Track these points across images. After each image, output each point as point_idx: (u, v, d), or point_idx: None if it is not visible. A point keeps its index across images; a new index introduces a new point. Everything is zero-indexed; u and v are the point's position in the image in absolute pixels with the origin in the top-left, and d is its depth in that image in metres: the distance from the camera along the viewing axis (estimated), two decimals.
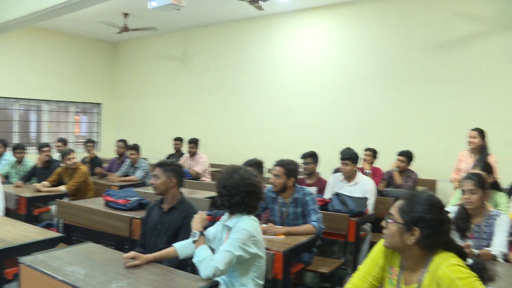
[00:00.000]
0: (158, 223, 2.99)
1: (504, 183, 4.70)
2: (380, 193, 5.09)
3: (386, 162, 6.02)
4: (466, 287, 1.63)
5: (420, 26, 6.82)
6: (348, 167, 4.61)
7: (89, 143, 7.28)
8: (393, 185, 5.46)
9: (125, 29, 8.33)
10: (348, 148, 4.87)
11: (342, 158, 4.65)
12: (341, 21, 7.56)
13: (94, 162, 6.99)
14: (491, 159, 4.68)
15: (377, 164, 6.00)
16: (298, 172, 3.68)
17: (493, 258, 2.78)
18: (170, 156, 7.77)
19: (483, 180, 3.07)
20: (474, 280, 1.65)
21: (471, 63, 6.41)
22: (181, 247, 2.57)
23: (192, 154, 7.10)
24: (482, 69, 6.32)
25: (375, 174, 5.67)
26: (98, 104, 10.88)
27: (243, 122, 8.64)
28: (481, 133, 4.88)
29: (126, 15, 8.27)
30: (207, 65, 9.20)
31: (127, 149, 6.59)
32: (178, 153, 7.81)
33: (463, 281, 1.64)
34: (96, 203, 4.20)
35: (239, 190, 2.47)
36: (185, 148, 7.57)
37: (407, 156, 5.49)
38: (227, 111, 8.90)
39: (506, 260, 2.76)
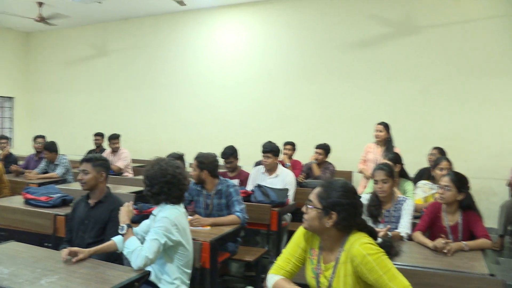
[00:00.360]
0: (85, 218, 2.98)
1: (411, 172, 5.20)
2: (299, 184, 5.36)
3: (305, 155, 6.32)
4: (375, 261, 1.85)
5: (337, 26, 7.25)
6: (269, 160, 4.78)
7: (2, 139, 6.88)
8: (312, 177, 5.76)
9: (42, 19, 7.93)
10: (270, 142, 5.06)
11: (264, 151, 4.82)
12: (262, 19, 7.80)
13: (8, 159, 6.62)
14: (396, 151, 5.14)
15: (297, 156, 6.29)
16: (213, 165, 3.74)
17: (401, 238, 3.13)
18: (90, 152, 7.54)
19: (392, 170, 3.41)
20: (382, 255, 1.88)
21: (382, 62, 6.98)
22: (120, 240, 2.60)
23: (114, 150, 6.99)
24: (391, 68, 6.92)
25: (295, 166, 5.93)
26: (10, 98, 10.23)
27: (166, 117, 8.60)
28: (386, 126, 5.34)
29: (40, 4, 7.88)
30: (128, 59, 9.02)
31: (44, 148, 6.31)
32: (99, 149, 7.62)
33: (373, 257, 1.86)
34: (14, 202, 4.03)
35: (158, 181, 2.58)
36: (106, 144, 7.42)
37: (324, 149, 5.81)
38: (150, 105, 8.80)
39: (410, 239, 3.12)
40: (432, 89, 6.78)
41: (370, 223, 3.25)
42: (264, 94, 7.71)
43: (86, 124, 9.39)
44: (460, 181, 3.09)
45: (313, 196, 2.02)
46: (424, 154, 5.65)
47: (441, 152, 5.03)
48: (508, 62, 6.38)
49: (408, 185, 4.19)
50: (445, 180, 3.11)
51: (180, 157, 4.34)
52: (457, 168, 6.11)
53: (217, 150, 4.66)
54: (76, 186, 4.77)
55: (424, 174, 4.58)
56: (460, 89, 6.64)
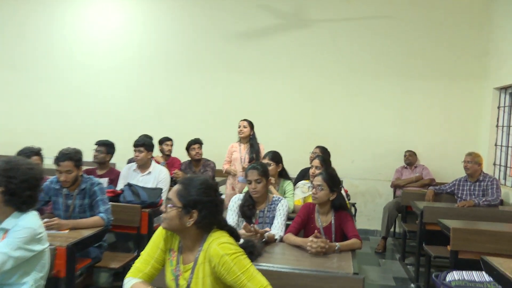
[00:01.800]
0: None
1: (296, 172, 5.59)
2: (174, 182, 5.44)
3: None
4: (232, 261, 1.99)
5: (224, 15, 7.47)
6: (141, 155, 4.85)
7: None
8: (191, 173, 5.93)
9: None
10: (145, 135, 5.11)
11: (136, 145, 4.88)
12: (140, 1, 7.77)
13: None
14: (260, 147, 5.69)
15: (178, 154, 6.40)
16: (81, 160, 3.70)
17: (274, 239, 3.31)
18: None
19: (266, 170, 3.62)
20: (240, 255, 2.03)
21: (270, 55, 7.37)
22: None
23: None
24: (279, 61, 7.36)
25: (173, 164, 6.07)
26: None
27: (24, 104, 8.08)
28: (250, 123, 5.76)
29: None
30: None
31: None
32: None
33: (231, 257, 2.00)
34: None
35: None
36: None
37: (201, 143, 6.05)
38: (2, 90, 8.25)
39: (282, 240, 3.32)
40: (321, 85, 7.31)
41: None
42: (142, 84, 7.69)
43: None
44: (332, 180, 3.39)
45: (172, 194, 2.10)
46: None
47: (323, 151, 5.46)
48: (393, 63, 7.13)
49: (288, 185, 4.51)
50: (318, 180, 3.40)
51: (36, 152, 4.11)
52: (344, 168, 6.94)
53: (86, 145, 4.61)
54: None
55: (306, 174, 4.93)
56: (349, 87, 7.26)
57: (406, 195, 5.97)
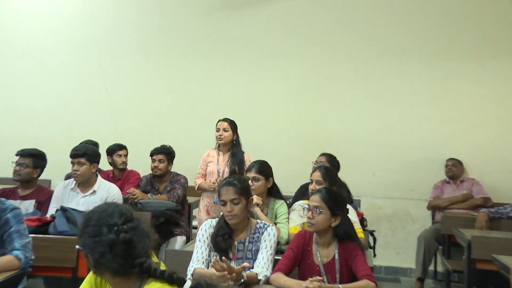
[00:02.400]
0: None
1: (293, 189, 5.62)
2: (132, 205, 5.42)
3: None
4: None
5: None
6: (82, 168, 4.82)
7: None
8: (154, 192, 5.96)
9: None
10: (87, 142, 5.12)
11: (74, 155, 4.86)
12: None
13: None
14: (245, 157, 5.67)
15: (137, 164, 6.42)
16: None
17: (258, 281, 3.28)
18: None
19: (247, 186, 3.62)
20: None
21: (259, 30, 7.49)
22: None
23: None
24: (273, 39, 7.44)
25: (129, 179, 6.11)
26: None
27: None
28: (232, 124, 5.73)
29: None
30: None
31: None
32: None
33: None
34: None
35: None
36: None
37: (166, 153, 6.01)
38: None
39: (268, 282, 3.31)
40: (329, 74, 7.33)
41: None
42: (88, 73, 7.79)
43: None
44: (334, 200, 3.39)
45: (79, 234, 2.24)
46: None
47: (330, 160, 5.46)
48: (427, 40, 7.12)
49: (281, 207, 4.49)
50: (314, 199, 3.40)
51: None
52: (362, 184, 6.99)
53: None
54: None
55: (307, 192, 4.92)
56: (367, 76, 7.28)
57: (449, 220, 5.87)
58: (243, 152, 5.76)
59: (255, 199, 4.21)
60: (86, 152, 4.89)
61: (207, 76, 7.59)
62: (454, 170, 6.82)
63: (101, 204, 2.28)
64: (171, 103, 7.62)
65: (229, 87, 7.53)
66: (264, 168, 4.58)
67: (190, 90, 7.60)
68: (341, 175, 5.19)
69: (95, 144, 5.97)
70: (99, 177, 5.08)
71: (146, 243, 2.17)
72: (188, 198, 6.26)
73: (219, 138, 5.70)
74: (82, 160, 4.86)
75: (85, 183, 4.94)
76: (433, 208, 6.79)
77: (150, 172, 6.10)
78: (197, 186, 5.79)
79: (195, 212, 6.45)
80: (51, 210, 4.78)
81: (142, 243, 2.15)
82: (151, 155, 6.03)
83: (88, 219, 2.17)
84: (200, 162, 5.86)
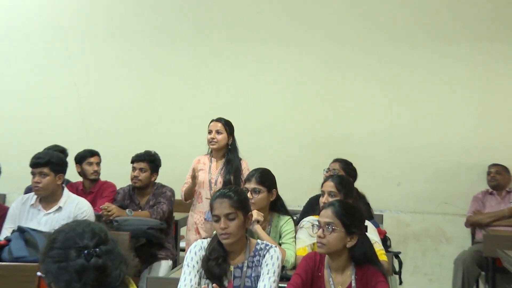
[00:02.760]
0: None
1: (301, 202, 5.64)
2: (107, 223, 5.38)
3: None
4: None
5: None
6: (45, 180, 4.80)
7: None
8: (134, 207, 5.95)
9: None
10: (51, 148, 5.12)
11: (34, 164, 4.83)
12: None
13: None
14: (243, 164, 5.69)
15: (112, 175, 6.46)
16: None
17: None
18: None
19: (245, 199, 3.63)
20: None
21: (260, 15, 7.51)
22: None
23: None
24: (277, 23, 7.48)
25: (102, 192, 6.12)
26: None
27: None
28: (228, 126, 5.72)
29: None
30: None
31: None
32: None
33: None
34: None
35: None
36: None
37: (150, 160, 5.98)
38: None
39: None
40: (342, 64, 7.37)
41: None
42: (52, 64, 7.85)
43: None
44: (351, 216, 3.38)
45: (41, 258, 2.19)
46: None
47: (345, 167, 5.47)
48: (465, 21, 7.12)
49: (287, 224, 4.50)
50: (326, 215, 3.39)
51: None
52: (384, 196, 6.96)
53: None
54: None
55: (317, 206, 4.92)
56: (389, 66, 7.27)
57: (493, 239, 5.81)
58: (240, 159, 5.76)
59: (255, 214, 4.21)
60: (49, 160, 4.85)
61: (197, 69, 7.61)
62: (499, 178, 6.77)
63: (69, 222, 2.21)
64: (154, 101, 7.66)
65: (223, 82, 7.56)
66: (266, 178, 4.58)
67: (177, 85, 7.63)
68: (359, 185, 5.22)
69: (62, 151, 5.96)
70: (66, 190, 5.06)
71: (122, 269, 2.12)
72: (174, 214, 6.25)
73: (211, 142, 5.69)
74: (45, 170, 4.81)
75: (48, 198, 4.92)
76: (473, 225, 6.74)
77: (129, 183, 6.07)
78: (182, 194, 5.79)
79: (183, 231, 6.43)
80: (6, 232, 4.78)
81: (118, 269, 2.10)
82: (132, 162, 6.00)
83: (53, 241, 2.11)
84: (189, 171, 5.79)
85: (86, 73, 7.81)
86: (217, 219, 3.54)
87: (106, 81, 7.79)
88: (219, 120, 5.75)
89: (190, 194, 5.75)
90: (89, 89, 7.77)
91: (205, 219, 5.64)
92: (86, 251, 2.03)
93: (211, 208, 3.62)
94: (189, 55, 7.64)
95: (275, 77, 7.46)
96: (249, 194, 4.24)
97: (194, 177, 5.55)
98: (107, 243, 2.11)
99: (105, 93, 7.76)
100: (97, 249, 2.06)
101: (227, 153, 5.76)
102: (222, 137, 5.69)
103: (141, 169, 5.92)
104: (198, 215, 5.76)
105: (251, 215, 3.72)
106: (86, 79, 7.79)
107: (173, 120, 7.56)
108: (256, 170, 4.69)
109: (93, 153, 6.29)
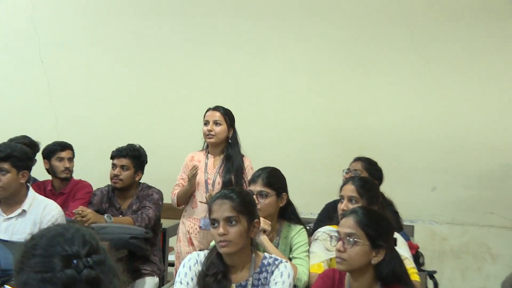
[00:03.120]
0: None
1: (316, 208, 5.67)
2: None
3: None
4: None
5: None
6: (5, 178, 4.78)
7: None
8: (111, 213, 5.94)
9: None
10: (22, 139, 5.16)
11: None
12: None
13: None
14: (246, 162, 5.68)
15: (86, 173, 6.49)
16: None
17: None
18: None
19: (250, 202, 3.66)
20: None
21: None
22: None
23: None
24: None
25: (75, 193, 6.14)
26: None
27: None
28: (226, 115, 5.70)
29: None
30: None
31: None
32: None
33: None
34: None
35: None
36: None
37: (134, 157, 5.94)
38: None
39: None
40: (363, 44, 7.39)
41: None
42: (17, 42, 7.93)
43: None
44: (376, 226, 3.39)
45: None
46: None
47: (368, 167, 5.48)
48: None
49: (299, 235, 4.49)
50: (347, 224, 3.40)
51: None
52: (416, 203, 6.93)
53: None
54: None
55: (335, 214, 4.94)
56: (420, 47, 7.27)
57: None
58: (242, 156, 5.75)
59: (262, 223, 4.11)
60: (11, 154, 4.81)
61: (189, 46, 7.65)
62: None
63: (51, 226, 2.13)
64: (138, 84, 7.70)
65: (222, 64, 7.56)
66: (275, 179, 4.56)
67: (166, 65, 7.64)
68: (385, 189, 5.22)
69: (32, 144, 5.98)
70: (31, 191, 5.04)
71: (115, 285, 2.06)
72: (162, 221, 6.23)
73: (208, 135, 5.66)
74: (5, 165, 4.77)
75: (9, 200, 4.90)
76: None
77: (108, 183, 6.06)
78: (174, 198, 5.78)
79: (172, 242, 6.42)
80: None
81: (111, 284, 2.03)
82: (112, 158, 5.98)
83: (33, 247, 2.03)
84: (181, 170, 5.83)
85: (54, 48, 7.84)
86: (215, 223, 3.54)
87: (78, 60, 7.81)
88: (217, 108, 5.74)
89: (186, 198, 5.74)
90: (59, 69, 7.80)
91: (200, 227, 5.62)
92: (76, 260, 1.95)
93: (210, 211, 3.64)
94: (179, 30, 7.65)
95: (286, 62, 7.46)
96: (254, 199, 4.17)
97: (194, 176, 5.51)
98: (99, 253, 2.03)
99: (78, 74, 7.79)
100: (89, 259, 1.97)
101: (227, 148, 5.73)
102: (221, 129, 5.66)
103: (122, 167, 5.88)
104: (191, 222, 5.73)
105: (257, 222, 3.71)
106: (54, 56, 7.81)
107: (162, 108, 7.57)
108: (263, 169, 4.64)
109: (64, 147, 6.24)
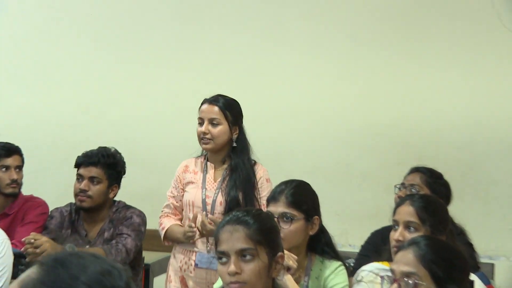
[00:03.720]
0: None
1: (358, 238, 5.73)
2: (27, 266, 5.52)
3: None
4: None
5: None
6: None
7: None
8: (79, 240, 6.04)
9: None
10: None
11: None
12: None
13: None
14: (259, 171, 5.60)
15: (42, 187, 6.52)
16: None
17: None
18: None
19: (270, 229, 3.63)
20: None
21: None
22: None
23: None
24: None
25: (26, 213, 6.19)
26: None
27: None
28: (227, 110, 5.58)
29: None
30: None
31: None
32: None
33: None
34: None
35: None
36: None
37: (107, 165, 5.96)
38: None
39: None
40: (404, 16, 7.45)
41: None
42: None
43: None
44: (445, 263, 3.40)
45: None
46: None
47: (432, 182, 5.57)
48: None
49: (336, 275, 4.50)
50: (405, 260, 3.42)
51: None
52: (497, 233, 7.07)
53: None
54: None
55: (385, 247, 4.98)
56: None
57: None
58: (253, 163, 5.69)
59: (286, 258, 3.96)
60: None
61: (183, 22, 7.74)
62: None
63: (72, 251, 2.16)
64: (116, 68, 7.78)
65: (224, 44, 7.67)
66: (303, 197, 4.56)
67: (152, 44, 7.74)
68: (455, 211, 5.19)
69: None
70: None
71: None
72: (145, 254, 6.24)
73: (203, 138, 5.56)
74: None
75: None
76: None
77: (71, 200, 6.07)
78: (163, 231, 5.70)
79: (158, 282, 6.46)
80: None
81: None
82: (77, 166, 5.97)
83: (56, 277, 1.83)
84: (171, 184, 5.80)
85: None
86: (223, 257, 3.50)
87: (36, 34, 7.91)
88: (215, 101, 5.61)
89: (175, 240, 5.65)
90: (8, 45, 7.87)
91: (196, 265, 5.53)
92: None
93: (216, 241, 3.58)
94: (174, 10, 7.74)
95: (309, 45, 7.55)
96: None
97: (190, 238, 5.35)
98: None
99: (38, 52, 7.85)
100: None
101: (231, 154, 5.64)
102: (219, 131, 5.55)
103: (91, 179, 5.85)
104: (184, 256, 5.65)
105: (282, 257, 3.67)
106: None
107: (146, 99, 7.64)
108: (287, 183, 4.60)
109: (10, 151, 6.28)
